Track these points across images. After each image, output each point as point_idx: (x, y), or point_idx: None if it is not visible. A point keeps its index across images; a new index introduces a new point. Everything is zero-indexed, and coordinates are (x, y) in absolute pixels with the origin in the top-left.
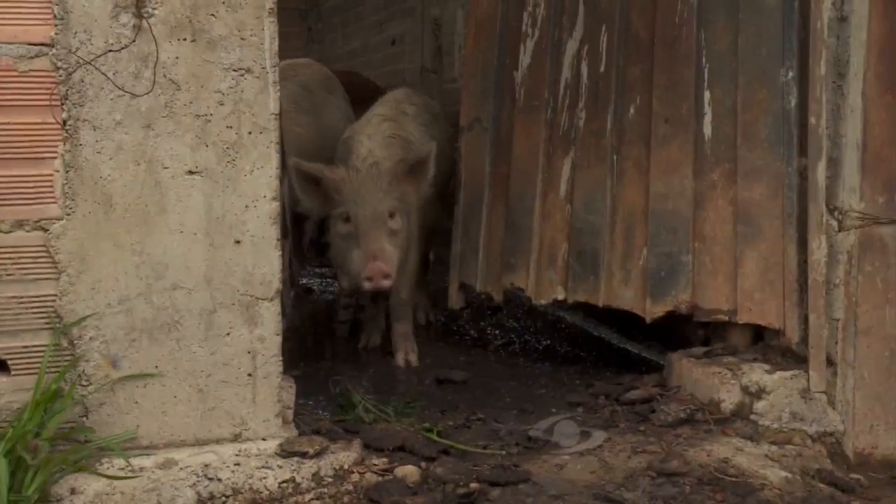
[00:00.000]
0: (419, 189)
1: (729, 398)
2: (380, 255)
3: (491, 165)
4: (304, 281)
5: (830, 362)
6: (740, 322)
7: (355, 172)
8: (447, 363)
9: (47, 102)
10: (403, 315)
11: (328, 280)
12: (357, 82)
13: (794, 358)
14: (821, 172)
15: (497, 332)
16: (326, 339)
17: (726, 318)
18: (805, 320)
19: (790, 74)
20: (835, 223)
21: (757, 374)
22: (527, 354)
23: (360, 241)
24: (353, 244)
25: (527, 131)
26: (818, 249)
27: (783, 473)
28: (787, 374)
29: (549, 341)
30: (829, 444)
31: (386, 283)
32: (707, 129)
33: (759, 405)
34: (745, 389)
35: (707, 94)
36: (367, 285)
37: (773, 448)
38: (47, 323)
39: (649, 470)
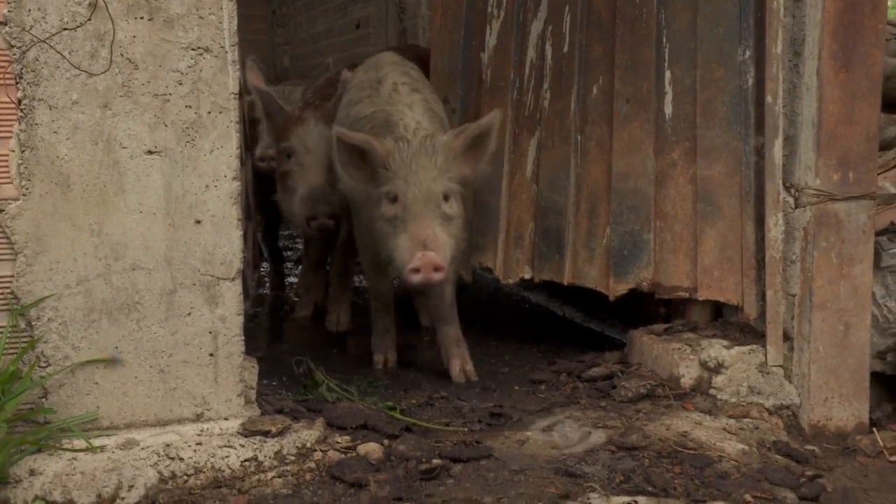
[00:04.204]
0: (477, 168)
1: (688, 373)
2: (431, 243)
3: None
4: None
5: (787, 337)
6: (700, 299)
7: (405, 144)
8: (411, 343)
9: (1, 81)
10: (451, 317)
11: (291, 263)
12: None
13: (753, 333)
14: (777, 150)
15: (462, 311)
16: (290, 322)
17: (687, 295)
18: (763, 296)
19: (747, 53)
20: (791, 200)
21: (716, 349)
22: (491, 334)
23: (409, 226)
24: (400, 229)
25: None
26: (775, 226)
27: (740, 446)
28: (745, 349)
29: (513, 320)
30: (785, 417)
31: (437, 277)
32: (668, 109)
33: (718, 380)
34: (704, 365)
35: (668, 74)
36: (414, 278)
37: (731, 421)
38: (4, 304)
39: (609, 444)
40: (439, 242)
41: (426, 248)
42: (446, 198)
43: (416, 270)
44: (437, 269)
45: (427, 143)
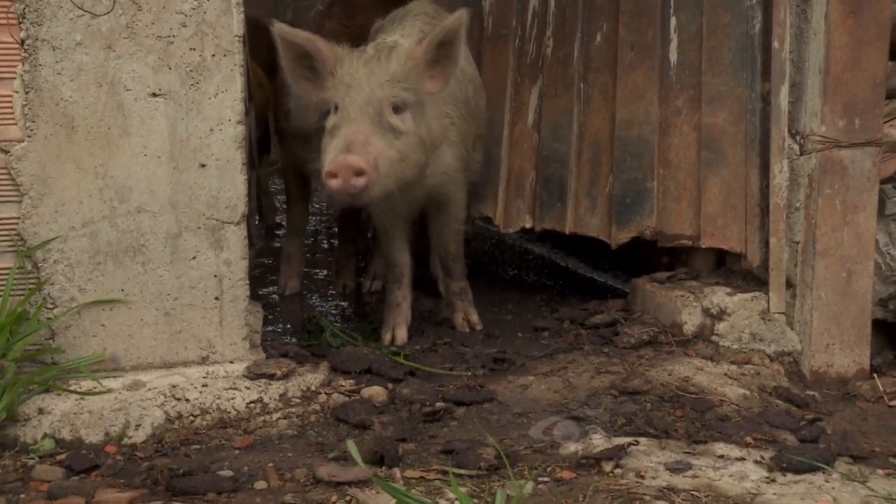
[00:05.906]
0: (445, 82)
1: (691, 320)
2: (355, 147)
3: None
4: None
5: (790, 284)
6: (703, 247)
7: (360, 53)
8: (416, 291)
9: (4, 21)
10: (456, 270)
11: None
12: None
13: (755, 281)
14: (783, 97)
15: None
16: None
17: (690, 243)
18: (766, 244)
19: None
20: (796, 147)
21: (718, 296)
22: (494, 283)
23: (341, 131)
24: (333, 136)
25: (495, 60)
26: (780, 174)
27: (741, 391)
28: (748, 296)
29: (516, 271)
30: (786, 364)
31: (358, 183)
32: (672, 56)
33: (720, 326)
34: (706, 311)
35: (673, 20)
36: (331, 184)
37: (733, 367)
38: (11, 245)
39: (612, 389)
40: (370, 148)
41: (349, 150)
42: (397, 109)
43: (334, 175)
44: (358, 172)
45: (383, 50)
